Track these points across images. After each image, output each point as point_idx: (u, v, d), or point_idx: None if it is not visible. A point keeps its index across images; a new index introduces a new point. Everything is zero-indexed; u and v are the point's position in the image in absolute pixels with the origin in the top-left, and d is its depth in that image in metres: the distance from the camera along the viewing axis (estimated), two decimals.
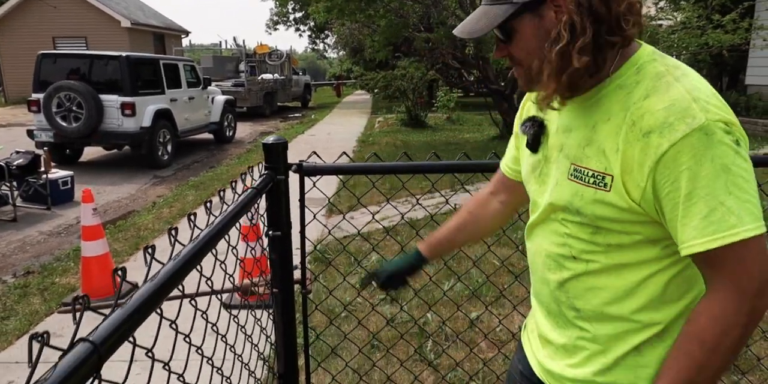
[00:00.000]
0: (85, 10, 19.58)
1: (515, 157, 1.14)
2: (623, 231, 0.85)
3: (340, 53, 28.70)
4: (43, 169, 5.96)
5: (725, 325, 0.77)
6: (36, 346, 0.45)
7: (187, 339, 0.87)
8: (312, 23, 27.70)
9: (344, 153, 1.25)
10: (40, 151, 6.17)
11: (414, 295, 2.07)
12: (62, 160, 8.26)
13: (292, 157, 1.30)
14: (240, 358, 1.19)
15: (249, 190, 1.05)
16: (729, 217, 0.74)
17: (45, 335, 0.46)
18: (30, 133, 8.00)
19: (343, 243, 4.22)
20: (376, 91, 13.36)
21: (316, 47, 32.12)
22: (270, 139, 1.27)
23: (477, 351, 2.65)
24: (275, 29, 31.05)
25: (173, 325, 0.82)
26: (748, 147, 0.79)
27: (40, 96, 7.70)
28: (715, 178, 0.74)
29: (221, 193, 0.96)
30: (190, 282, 0.86)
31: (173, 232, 0.73)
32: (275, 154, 1.26)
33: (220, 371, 1.07)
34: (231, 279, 1.03)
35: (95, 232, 3.37)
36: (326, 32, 26.64)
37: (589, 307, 0.92)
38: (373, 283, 1.25)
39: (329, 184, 1.44)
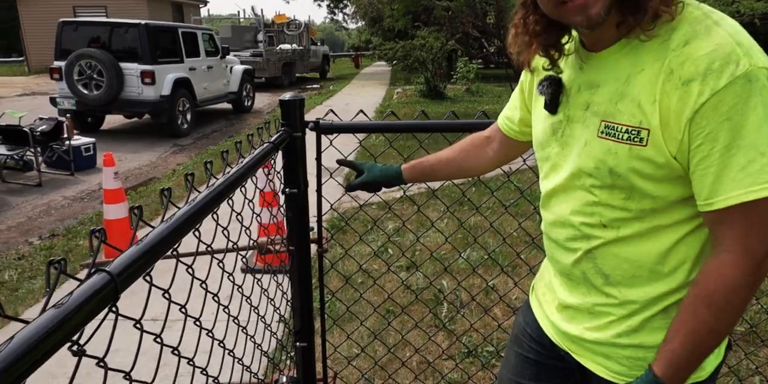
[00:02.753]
0: None
1: (520, 118, 1.10)
2: (658, 193, 0.81)
3: (359, 24, 28.25)
4: (66, 135, 6.05)
5: (735, 287, 0.75)
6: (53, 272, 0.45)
7: (215, 298, 0.88)
8: None
9: (361, 111, 1.23)
10: (63, 118, 6.25)
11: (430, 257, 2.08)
12: (84, 127, 8.37)
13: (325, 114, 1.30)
14: (263, 319, 1.21)
15: (265, 145, 1.04)
16: (765, 171, 0.71)
17: (62, 261, 0.46)
18: (53, 101, 8.10)
19: (360, 211, 4.24)
20: (394, 61, 13.15)
21: (334, 17, 31.61)
22: (287, 95, 1.26)
23: (492, 317, 2.67)
24: None
25: (203, 285, 0.83)
26: None
27: (62, 64, 7.75)
28: (758, 127, 0.70)
29: (238, 145, 0.95)
30: (214, 242, 0.86)
31: (187, 180, 0.73)
32: (292, 111, 1.25)
33: (245, 330, 1.09)
34: (248, 232, 1.04)
35: (117, 196, 3.43)
36: (345, 2, 26.15)
37: (618, 273, 0.89)
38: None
39: (348, 151, 1.46)
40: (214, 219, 0.84)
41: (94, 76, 7.67)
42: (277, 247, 1.34)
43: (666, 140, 0.76)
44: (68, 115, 7.13)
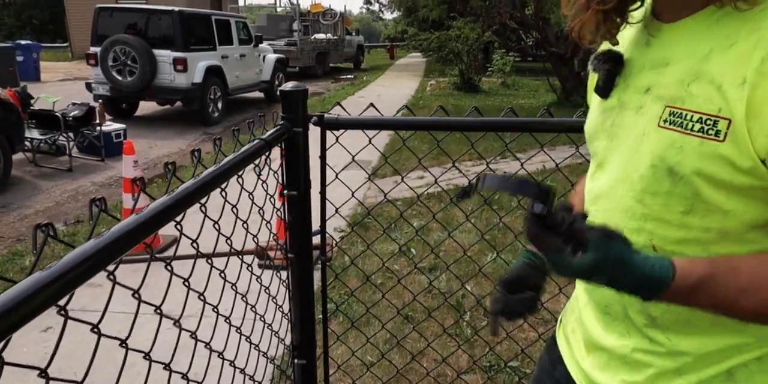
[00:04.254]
0: None
1: None
2: (731, 207, 0.62)
3: (395, 14, 27.94)
4: (97, 121, 6.09)
5: None
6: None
7: (214, 309, 0.77)
8: None
9: (371, 105, 1.08)
10: (95, 104, 6.29)
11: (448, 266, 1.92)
12: (118, 113, 8.46)
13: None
14: (248, 339, 1.09)
15: (255, 141, 0.90)
16: None
17: (50, 225, 0.46)
18: (88, 86, 8.21)
19: (383, 208, 4.10)
20: (429, 53, 12.92)
21: (371, 7, 31.37)
22: (288, 85, 1.11)
23: (518, 330, 2.49)
24: None
25: (200, 297, 0.72)
26: None
27: (98, 50, 7.83)
28: None
29: (235, 134, 0.81)
30: (206, 243, 0.74)
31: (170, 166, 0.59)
32: (294, 103, 1.10)
33: (249, 339, 0.98)
34: (229, 242, 0.90)
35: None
36: None
37: (670, 316, 0.69)
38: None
39: (372, 150, 1.32)
40: (201, 210, 0.70)
41: (128, 62, 7.72)
42: (274, 255, 1.21)
43: (753, 137, 0.57)
44: (101, 101, 7.20)
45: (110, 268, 0.54)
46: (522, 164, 1.46)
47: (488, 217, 4.04)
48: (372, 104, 1.11)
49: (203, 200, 0.73)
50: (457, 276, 2.56)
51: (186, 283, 0.75)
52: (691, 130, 0.61)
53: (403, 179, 1.43)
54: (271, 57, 10.69)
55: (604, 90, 0.74)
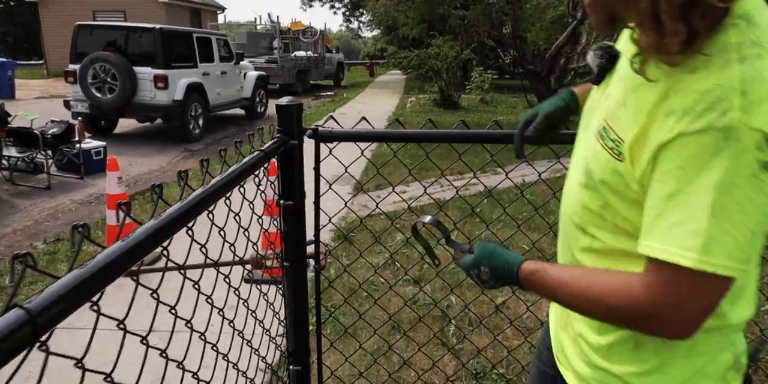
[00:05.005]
0: None
1: None
2: (627, 214, 0.73)
3: (374, 32, 28.34)
4: (77, 138, 6.05)
5: (612, 298, 0.70)
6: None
7: (213, 303, 0.80)
8: (347, 0, 27.34)
9: (364, 118, 1.14)
10: (74, 121, 6.25)
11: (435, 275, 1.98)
12: (97, 131, 8.40)
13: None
14: (249, 344, 1.12)
15: (255, 152, 0.95)
16: (693, 239, 0.61)
17: (28, 256, 0.44)
18: (67, 104, 8.14)
19: (368, 222, 4.15)
20: (409, 70, 13.12)
21: (350, 25, 31.77)
22: (283, 100, 1.17)
23: (502, 338, 2.54)
24: (310, 6, 30.79)
25: (200, 292, 0.75)
26: None
27: (77, 67, 7.79)
28: (704, 190, 0.61)
29: (222, 154, 0.86)
30: (202, 257, 0.78)
31: (154, 192, 0.63)
32: (289, 117, 1.15)
33: (245, 343, 1.01)
34: (232, 249, 0.95)
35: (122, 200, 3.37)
36: (361, 10, 26.27)
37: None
38: (530, 131, 1.05)
39: (357, 164, 1.37)
40: (189, 234, 0.75)
41: (108, 79, 7.69)
42: (270, 263, 1.25)
43: (635, 164, 0.69)
44: (80, 118, 7.15)
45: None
46: (507, 174, 1.54)
47: (470, 230, 4.12)
48: (364, 117, 1.17)
49: (209, 208, 0.77)
50: (450, 284, 2.61)
51: (204, 297, 0.77)
52: (606, 146, 0.72)
53: (394, 189, 1.49)
54: (252, 74, 10.74)
55: (597, 80, 0.83)
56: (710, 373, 0.78)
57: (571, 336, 0.90)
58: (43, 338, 0.43)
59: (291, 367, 1.31)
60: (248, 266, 1.26)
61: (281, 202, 1.18)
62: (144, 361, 0.67)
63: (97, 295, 0.49)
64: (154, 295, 0.63)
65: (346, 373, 2.13)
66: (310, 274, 1.38)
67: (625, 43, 0.80)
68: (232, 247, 0.94)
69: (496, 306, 2.64)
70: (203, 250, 0.81)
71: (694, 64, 0.63)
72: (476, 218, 4.44)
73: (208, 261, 0.99)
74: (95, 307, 0.50)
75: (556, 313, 0.98)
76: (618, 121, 0.72)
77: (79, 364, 0.48)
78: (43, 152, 5.66)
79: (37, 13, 20.61)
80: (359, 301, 2.86)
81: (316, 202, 1.27)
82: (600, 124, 0.76)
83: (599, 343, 0.83)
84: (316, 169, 1.25)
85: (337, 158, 1.24)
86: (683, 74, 0.64)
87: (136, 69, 7.73)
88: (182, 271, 0.77)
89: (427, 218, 0.97)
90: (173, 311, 0.75)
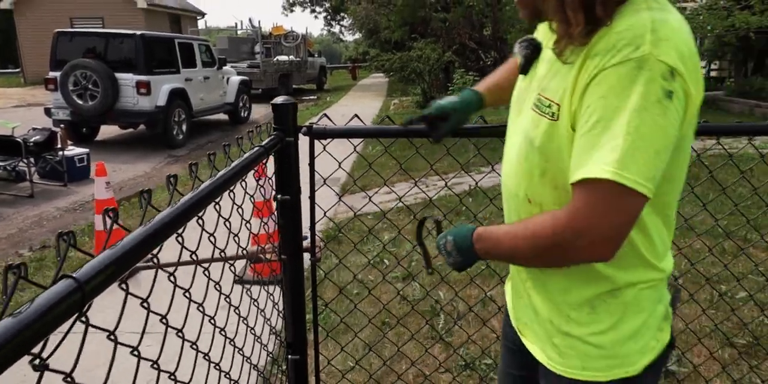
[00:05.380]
0: None
1: None
2: (567, 174, 0.80)
3: (356, 35, 28.42)
4: (59, 146, 6.00)
5: (543, 230, 0.78)
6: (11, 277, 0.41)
7: (200, 309, 0.84)
8: (328, 4, 27.40)
9: (356, 116, 1.20)
10: (56, 129, 6.20)
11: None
12: (79, 138, 8.32)
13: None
14: (252, 331, 1.16)
15: (255, 148, 1.00)
16: (610, 154, 0.69)
17: (22, 267, 0.42)
18: (47, 112, 8.06)
19: (355, 222, 4.20)
20: (391, 73, 13.20)
21: (332, 29, 31.82)
22: (279, 99, 1.22)
23: (489, 330, 2.61)
24: (291, 11, 30.77)
25: (186, 294, 0.78)
26: (688, 110, 0.73)
27: (57, 74, 7.72)
28: (620, 113, 0.69)
29: (226, 149, 0.91)
30: (201, 249, 0.81)
31: (169, 182, 0.69)
32: (285, 115, 1.21)
33: (232, 342, 1.05)
34: (237, 239, 1.00)
35: (108, 206, 3.38)
36: (342, 14, 26.34)
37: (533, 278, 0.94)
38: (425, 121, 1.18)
39: (345, 166, 1.41)
40: (199, 224, 0.80)
41: (90, 86, 7.64)
42: (269, 256, 1.30)
43: (568, 113, 0.77)
44: (62, 125, 7.09)
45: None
46: (493, 167, 1.60)
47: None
48: (356, 115, 1.23)
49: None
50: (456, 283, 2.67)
51: (186, 294, 0.79)
52: (543, 112, 0.82)
53: (371, 199, 1.54)
54: (235, 79, 10.74)
55: (524, 69, 0.93)
56: (651, 324, 0.90)
57: (530, 308, 0.98)
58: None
59: (289, 356, 1.36)
60: (239, 269, 1.30)
61: (278, 196, 1.23)
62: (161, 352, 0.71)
63: (86, 306, 0.46)
64: (146, 304, 0.65)
65: (341, 363, 2.19)
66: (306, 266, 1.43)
67: (545, 33, 0.91)
68: (222, 253, 0.97)
69: (486, 295, 2.71)
70: (193, 256, 0.82)
71: (612, 19, 0.74)
72: (463, 216, 4.52)
73: (206, 257, 1.03)
74: (83, 319, 0.47)
75: (513, 287, 1.06)
76: (550, 90, 0.82)
77: (68, 378, 0.46)
78: (25, 160, 5.61)
79: (12, 20, 20.30)
80: (352, 297, 2.91)
81: (311, 197, 1.32)
82: (535, 98, 0.85)
83: (557, 311, 0.91)
84: (311, 165, 1.30)
85: (331, 154, 1.30)
86: (602, 30, 0.74)
87: (118, 75, 7.69)
88: (173, 276, 0.75)
89: (435, 217, 1.04)
90: (164, 321, 0.72)
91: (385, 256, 3.60)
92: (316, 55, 20.99)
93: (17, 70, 22.00)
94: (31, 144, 5.73)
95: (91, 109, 7.71)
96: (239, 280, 1.14)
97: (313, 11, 29.62)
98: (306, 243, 1.35)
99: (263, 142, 1.06)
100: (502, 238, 0.85)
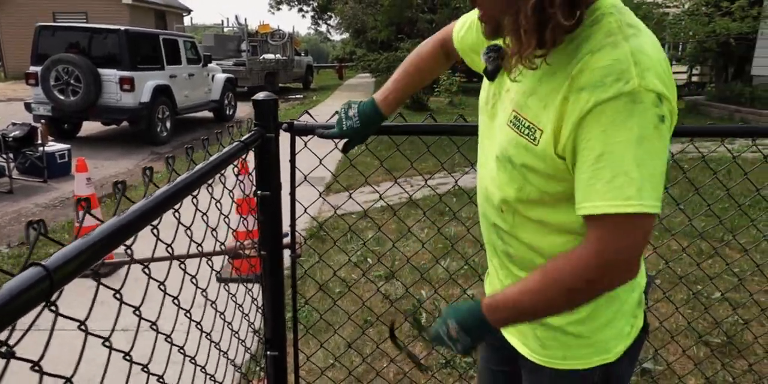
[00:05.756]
0: None
1: (472, 43, 1.09)
2: (546, 188, 0.85)
3: (343, 35, 28.39)
4: (40, 141, 5.91)
5: (573, 278, 0.78)
6: None
7: (176, 302, 0.84)
8: (315, 3, 27.32)
9: (337, 112, 1.20)
10: (37, 124, 6.11)
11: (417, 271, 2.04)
12: (60, 134, 8.20)
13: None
14: (230, 326, 1.16)
15: (235, 143, 1.01)
16: (629, 188, 0.73)
17: (41, 222, 0.42)
18: (28, 107, 7.93)
19: (338, 221, 4.20)
20: (378, 73, 13.21)
21: (319, 28, 31.74)
22: (260, 95, 1.23)
23: None
24: (278, 9, 30.61)
25: (161, 287, 0.78)
26: (673, 126, 0.79)
27: (38, 69, 7.60)
28: (627, 145, 0.73)
29: (205, 143, 0.91)
30: (179, 245, 0.81)
31: (145, 173, 0.69)
32: (266, 111, 1.21)
33: (209, 337, 1.05)
34: (215, 234, 1.00)
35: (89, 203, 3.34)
36: (329, 14, 26.28)
37: (520, 255, 0.95)
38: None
39: (329, 162, 1.42)
40: (175, 217, 0.80)
41: (71, 81, 7.53)
42: (248, 252, 1.30)
43: (556, 142, 0.80)
44: (43, 120, 6.98)
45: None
46: (473, 165, 1.61)
47: (441, 227, 4.20)
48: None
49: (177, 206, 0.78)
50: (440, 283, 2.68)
51: (162, 287, 0.79)
52: (522, 132, 0.85)
53: (351, 196, 1.55)
54: (221, 77, 10.66)
55: (491, 77, 0.95)
56: (626, 311, 0.95)
57: None
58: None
59: (268, 352, 1.36)
60: (215, 259, 1.30)
61: (258, 192, 1.23)
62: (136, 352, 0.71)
63: (55, 295, 0.46)
64: (124, 296, 0.66)
65: (321, 361, 2.19)
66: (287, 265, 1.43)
67: None
68: (199, 247, 0.96)
69: (466, 293, 2.73)
70: (169, 249, 0.81)
71: (590, 49, 0.77)
72: (446, 216, 4.54)
73: (183, 253, 1.03)
74: (52, 308, 0.47)
75: (491, 285, 1.09)
76: (529, 110, 0.84)
77: (37, 367, 0.47)
78: (4, 156, 5.52)
79: None
80: (334, 295, 2.92)
81: (292, 193, 1.32)
82: (509, 114, 0.87)
83: None
84: (292, 161, 1.30)
85: (312, 151, 1.30)
86: (583, 58, 0.77)
87: (101, 71, 7.60)
88: (147, 268, 0.75)
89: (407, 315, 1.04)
90: (137, 313, 0.72)
91: (368, 254, 3.60)
92: (302, 54, 20.92)
93: None
94: (10, 139, 5.63)
95: (73, 104, 7.60)
96: (219, 277, 1.15)
97: (300, 10, 29.52)
98: (286, 240, 1.35)
99: (243, 137, 1.06)
100: (521, 298, 0.83)
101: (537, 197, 0.87)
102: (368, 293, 3.02)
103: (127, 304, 0.64)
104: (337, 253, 3.52)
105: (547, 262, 0.84)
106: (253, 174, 1.23)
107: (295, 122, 1.27)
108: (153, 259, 0.90)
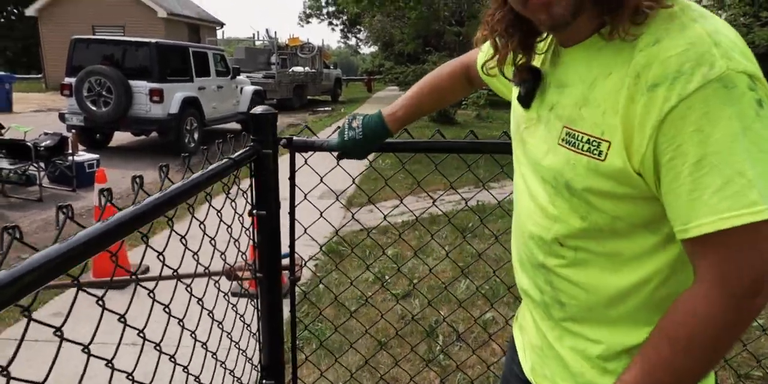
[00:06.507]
0: (124, 0, 20.01)
1: (498, 79, 0.99)
2: (617, 212, 0.71)
3: (371, 47, 28.62)
4: (70, 151, 6.03)
5: (704, 323, 0.63)
6: None
7: (181, 324, 0.79)
8: (345, 17, 27.67)
9: (339, 128, 1.13)
10: (68, 134, 6.24)
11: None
12: (92, 144, 8.38)
13: (317, 159, 1.25)
14: (214, 356, 1.09)
15: (223, 160, 0.94)
16: (749, 191, 0.58)
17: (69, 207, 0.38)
18: (62, 117, 8.15)
19: (357, 237, 4.12)
20: (405, 85, 13.20)
21: (348, 41, 32.10)
22: (258, 109, 1.16)
23: (490, 354, 2.50)
24: (308, 22, 31.08)
25: (166, 310, 0.73)
26: None
27: (73, 80, 7.81)
28: (732, 141, 0.59)
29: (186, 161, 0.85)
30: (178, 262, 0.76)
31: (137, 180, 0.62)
32: (263, 126, 1.15)
33: (214, 356, 0.98)
34: (196, 257, 0.93)
35: (107, 213, 3.34)
36: (358, 27, 26.55)
37: (575, 303, 0.79)
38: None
39: (345, 180, 1.36)
40: (141, 233, 0.73)
41: (103, 92, 7.71)
42: (243, 275, 1.22)
43: (629, 154, 0.66)
44: (73, 130, 7.14)
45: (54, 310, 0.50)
46: (483, 185, 1.52)
47: (462, 244, 4.09)
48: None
49: (171, 214, 0.75)
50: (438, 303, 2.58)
51: (167, 310, 0.77)
52: (581, 149, 0.70)
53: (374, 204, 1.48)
54: (249, 89, 10.79)
55: (526, 101, 0.82)
56: None
57: (555, 361, 0.84)
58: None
59: (264, 381, 1.28)
60: (218, 277, 1.23)
61: (254, 211, 1.16)
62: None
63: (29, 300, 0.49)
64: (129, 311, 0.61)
65: None
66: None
67: (540, 59, 0.82)
68: (214, 242, 0.92)
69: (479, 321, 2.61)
70: (166, 262, 0.79)
71: (652, 39, 0.64)
72: (468, 232, 4.42)
73: (181, 272, 0.97)
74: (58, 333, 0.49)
75: (526, 335, 0.93)
76: (585, 122, 0.70)
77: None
78: (35, 164, 5.64)
79: (37, 27, 20.77)
80: (345, 315, 2.82)
81: (291, 213, 1.25)
82: (559, 132, 0.74)
83: (591, 363, 0.79)
84: (291, 179, 1.23)
85: (312, 168, 1.23)
86: (646, 50, 0.64)
87: (132, 82, 7.76)
88: (151, 292, 0.75)
89: None
90: (141, 335, 0.76)
91: (386, 271, 3.51)
92: (331, 67, 21.12)
93: (39, 76, 22.45)
94: (42, 148, 5.76)
95: (104, 115, 7.77)
96: (228, 293, 1.08)
97: (330, 23, 29.93)
98: (286, 261, 1.28)
99: (234, 154, 0.99)
100: (651, 380, 0.67)
101: (607, 225, 0.72)
102: (384, 312, 2.92)
103: (131, 327, 0.58)
104: (355, 270, 3.44)
105: (662, 320, 0.68)
106: (247, 193, 1.17)
107: (294, 138, 1.20)
108: (147, 279, 0.85)
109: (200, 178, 0.82)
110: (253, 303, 1.26)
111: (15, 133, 6.06)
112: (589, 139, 0.69)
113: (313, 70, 18.36)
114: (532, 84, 0.80)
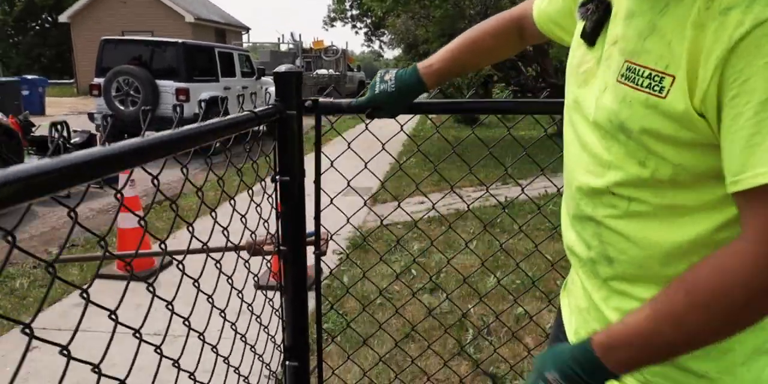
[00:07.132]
0: (152, 5, 20.44)
1: (557, 15, 0.91)
2: (679, 160, 0.61)
3: (394, 50, 28.63)
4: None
5: (729, 282, 0.54)
6: None
7: (212, 303, 0.73)
8: (369, 20, 27.76)
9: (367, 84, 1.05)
10: (96, 132, 6.32)
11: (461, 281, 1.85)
12: None
13: (341, 148, 1.20)
14: (243, 339, 1.02)
15: (245, 113, 0.86)
16: None
17: None
18: (90, 117, 8.29)
19: (381, 233, 4.04)
20: None
21: (371, 44, 32.18)
22: (281, 67, 1.09)
23: (523, 348, 2.39)
24: (332, 26, 31.24)
25: (196, 284, 0.66)
26: None
27: (101, 80, 7.94)
28: None
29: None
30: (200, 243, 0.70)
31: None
32: (288, 85, 1.07)
33: (243, 338, 0.91)
34: (226, 233, 0.85)
35: (131, 204, 3.33)
36: (382, 30, 26.60)
37: (624, 258, 0.69)
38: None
39: (371, 178, 1.33)
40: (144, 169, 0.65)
41: (131, 92, 7.81)
42: (268, 248, 1.15)
43: (691, 92, 0.56)
44: (102, 124, 7.23)
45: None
46: (523, 189, 1.47)
47: (490, 239, 3.97)
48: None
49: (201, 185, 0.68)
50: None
51: (196, 284, 0.70)
52: (641, 85, 0.61)
53: (400, 205, 1.40)
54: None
55: (591, 37, 0.72)
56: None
57: None
58: None
59: (287, 362, 1.20)
60: (245, 253, 1.16)
61: (277, 177, 1.09)
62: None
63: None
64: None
65: (349, 375, 2.00)
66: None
67: None
68: (242, 218, 0.84)
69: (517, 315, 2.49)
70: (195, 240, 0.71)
71: None
72: (497, 228, 4.30)
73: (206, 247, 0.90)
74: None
75: (573, 297, 0.84)
76: (649, 54, 0.61)
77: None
78: None
79: (69, 34, 21.33)
80: (375, 308, 2.74)
81: (317, 181, 1.17)
82: (620, 67, 0.65)
83: None
84: (317, 143, 1.15)
85: (339, 133, 1.15)
86: None
87: (159, 82, 7.85)
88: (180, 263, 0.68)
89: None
90: (170, 307, 0.75)
91: (412, 266, 3.41)
92: (355, 70, 21.18)
93: (72, 81, 23.02)
94: (71, 146, 5.83)
95: (132, 114, 7.87)
96: (259, 286, 1.02)
97: (354, 26, 30.05)
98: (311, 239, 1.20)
99: (256, 109, 0.92)
100: (654, 327, 0.59)
101: (668, 175, 0.62)
102: (410, 306, 2.82)
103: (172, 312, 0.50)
104: (381, 265, 3.35)
105: (686, 271, 0.59)
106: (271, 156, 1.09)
107: (321, 99, 1.12)
108: (176, 252, 0.80)
109: (218, 123, 0.75)
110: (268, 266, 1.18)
111: (45, 131, 6.16)
112: (650, 74, 0.60)
113: (337, 73, 18.43)
114: (601, 15, 0.70)
